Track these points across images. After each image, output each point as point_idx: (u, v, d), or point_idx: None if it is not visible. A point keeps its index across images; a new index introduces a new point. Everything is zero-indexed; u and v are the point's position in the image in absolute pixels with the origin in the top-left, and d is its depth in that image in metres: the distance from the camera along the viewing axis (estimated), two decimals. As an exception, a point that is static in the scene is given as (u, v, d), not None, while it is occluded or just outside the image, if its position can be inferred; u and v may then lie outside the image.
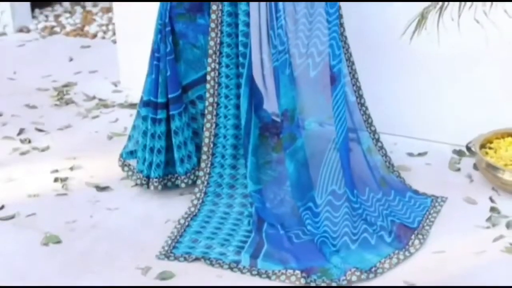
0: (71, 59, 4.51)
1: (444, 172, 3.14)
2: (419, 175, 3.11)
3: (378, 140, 3.03)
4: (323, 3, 2.68)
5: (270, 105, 2.88)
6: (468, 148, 3.11)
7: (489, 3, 2.25)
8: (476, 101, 3.21)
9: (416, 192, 2.97)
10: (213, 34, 2.77)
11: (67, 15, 5.35)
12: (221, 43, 2.78)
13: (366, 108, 2.97)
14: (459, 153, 3.24)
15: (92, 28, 5.02)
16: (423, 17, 2.35)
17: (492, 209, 2.84)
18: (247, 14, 2.71)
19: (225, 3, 2.72)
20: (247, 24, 2.71)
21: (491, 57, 3.08)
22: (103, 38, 4.91)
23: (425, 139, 3.34)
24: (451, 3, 2.31)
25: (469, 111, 3.23)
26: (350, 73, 2.87)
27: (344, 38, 2.83)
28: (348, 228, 2.66)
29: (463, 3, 2.28)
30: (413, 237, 2.66)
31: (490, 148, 3.09)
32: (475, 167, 3.10)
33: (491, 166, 2.94)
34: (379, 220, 2.71)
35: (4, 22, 5.02)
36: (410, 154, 3.26)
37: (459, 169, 3.15)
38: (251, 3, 2.69)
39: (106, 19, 5.20)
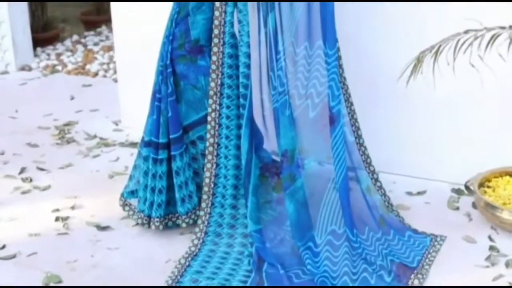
0: (72, 98, 4.55)
1: (443, 210, 3.16)
2: (418, 214, 3.13)
3: (377, 180, 3.05)
4: (322, 45, 2.72)
5: (270, 145, 2.91)
6: (467, 187, 3.13)
7: (483, 47, 2.28)
8: (474, 140, 3.24)
9: (415, 231, 2.98)
10: (214, 76, 2.81)
11: (69, 53, 5.41)
12: (222, 84, 2.81)
13: (365, 148, 3.00)
14: (458, 191, 3.27)
15: (93, 67, 5.07)
16: (419, 61, 2.39)
17: (491, 248, 2.86)
18: (248, 56, 2.75)
19: (226, 45, 2.76)
20: (248, 66, 2.75)
21: (487, 98, 3.11)
22: (104, 76, 4.95)
23: (424, 177, 3.36)
24: (446, 47, 2.35)
25: (467, 150, 3.26)
26: (349, 113, 2.91)
27: (343, 79, 2.88)
28: (348, 267, 2.67)
29: (458, 48, 2.31)
30: (412, 276, 2.67)
31: (488, 186, 3.11)
32: (474, 205, 3.12)
33: (490, 205, 2.96)
34: (378, 260, 2.72)
35: (6, 61, 5.07)
36: (409, 193, 3.28)
37: (458, 208, 3.17)
38: (251, 45, 2.73)
39: (107, 58, 5.26)
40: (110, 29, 5.48)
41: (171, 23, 2.81)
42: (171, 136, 2.87)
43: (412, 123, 3.33)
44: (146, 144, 2.94)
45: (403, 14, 3.18)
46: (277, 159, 2.88)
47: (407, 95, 2.97)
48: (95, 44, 5.65)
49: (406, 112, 3.31)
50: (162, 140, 2.88)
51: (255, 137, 2.86)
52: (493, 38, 2.34)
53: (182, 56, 2.83)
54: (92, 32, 5.96)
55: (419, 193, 3.29)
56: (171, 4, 2.86)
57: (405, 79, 2.45)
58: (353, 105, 2.93)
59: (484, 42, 2.32)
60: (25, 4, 5.12)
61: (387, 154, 3.31)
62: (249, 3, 2.71)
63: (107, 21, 5.66)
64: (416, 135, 3.34)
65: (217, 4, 2.74)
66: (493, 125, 3.19)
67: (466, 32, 2.37)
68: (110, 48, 5.38)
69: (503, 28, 2.38)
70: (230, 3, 2.73)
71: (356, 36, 3.22)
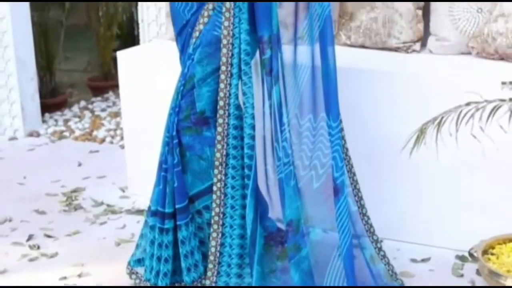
0: (79, 164, 4.60)
1: (448, 278, 3.17)
2: (423, 281, 3.13)
3: (380, 248, 3.07)
4: (325, 117, 2.77)
5: (275, 212, 2.95)
6: (471, 254, 3.15)
7: (484, 119, 2.33)
8: (477, 207, 3.26)
9: (420, 299, 3.00)
10: (219, 146, 2.85)
11: (76, 119, 5.48)
12: (227, 154, 2.86)
13: (368, 218, 3.03)
14: (462, 258, 3.28)
15: (100, 133, 5.14)
16: (421, 132, 2.44)
17: (496, 316, 2.87)
18: (253, 127, 2.80)
19: (231, 116, 2.82)
20: (253, 137, 2.80)
21: (489, 167, 3.15)
22: (111, 143, 5.01)
23: (428, 244, 3.38)
24: (448, 119, 2.40)
25: (470, 217, 3.28)
26: (351, 183, 2.95)
27: (345, 150, 2.92)
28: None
29: (459, 120, 2.36)
30: None
31: (492, 253, 3.12)
32: (478, 273, 3.13)
33: (494, 272, 2.97)
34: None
35: (15, 127, 5.14)
36: (414, 260, 3.30)
37: (462, 275, 3.18)
38: (256, 116, 2.79)
39: (114, 124, 5.33)
40: (117, 95, 5.56)
41: (177, 95, 2.88)
42: (177, 206, 2.91)
43: (416, 191, 3.36)
44: (152, 213, 2.97)
45: (405, 86, 3.24)
46: (282, 227, 2.91)
47: (410, 164, 3.01)
48: (102, 110, 5.73)
49: (409, 180, 3.34)
50: (168, 210, 2.91)
51: (260, 206, 2.90)
52: (494, 110, 2.39)
53: (188, 128, 2.88)
54: (99, 98, 6.04)
55: (423, 260, 3.30)
56: (178, 71, 2.93)
57: (408, 149, 2.50)
58: (356, 175, 2.98)
59: (485, 114, 2.37)
60: (34, 70, 5.21)
61: (391, 221, 3.34)
62: (254, 77, 2.78)
63: (114, 87, 5.75)
64: (420, 202, 3.37)
65: (222, 76, 2.81)
66: (495, 193, 3.22)
67: (467, 104, 2.42)
68: (117, 114, 5.45)
69: (503, 100, 2.43)
70: (234, 76, 2.79)
71: (359, 106, 3.28)
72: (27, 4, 5.08)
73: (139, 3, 4.43)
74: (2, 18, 4.94)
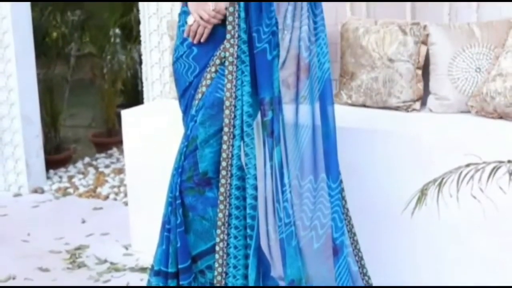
0: (83, 221, 4.62)
1: (450, 337, 3.17)
2: None
3: (382, 308, 3.09)
4: (325, 178, 2.81)
5: (277, 271, 2.97)
6: (472, 313, 3.15)
7: (484, 180, 2.36)
8: (478, 266, 3.27)
9: None
10: (221, 206, 2.88)
11: (80, 176, 5.52)
12: (229, 215, 2.89)
13: (369, 278, 3.04)
14: (464, 317, 3.28)
15: (104, 190, 5.17)
16: (422, 193, 2.46)
17: None
18: (255, 187, 2.83)
19: (233, 177, 2.85)
20: (255, 198, 2.84)
21: (489, 227, 3.16)
22: (115, 199, 5.04)
23: (429, 303, 3.39)
24: (448, 180, 2.42)
25: (470, 275, 3.29)
26: (352, 243, 2.98)
27: (346, 210, 2.95)
28: None
29: (460, 181, 2.38)
30: None
31: (493, 313, 3.13)
32: (480, 332, 3.13)
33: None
34: None
35: (19, 183, 5.18)
36: (416, 319, 3.31)
37: (464, 334, 3.19)
38: (258, 177, 2.83)
39: (118, 181, 5.36)
40: (121, 151, 5.60)
41: (180, 156, 2.92)
42: (180, 266, 2.93)
43: (416, 251, 3.36)
44: (155, 273, 2.99)
45: (406, 145, 3.27)
46: (284, 286, 2.93)
47: (411, 223, 3.03)
48: (106, 166, 5.77)
49: (410, 240, 3.35)
50: (171, 269, 2.93)
51: (262, 265, 2.92)
52: (493, 171, 2.42)
53: (191, 188, 2.92)
54: (103, 154, 6.09)
55: (425, 319, 3.31)
56: (181, 130, 2.98)
57: (409, 210, 2.52)
58: (356, 235, 3.00)
59: (485, 175, 2.39)
60: (39, 128, 5.26)
61: (392, 280, 3.34)
62: (255, 138, 2.82)
63: (118, 143, 5.80)
64: (420, 262, 3.37)
65: (225, 138, 2.85)
66: (495, 252, 3.23)
67: (467, 165, 2.45)
68: (121, 171, 5.49)
69: (502, 162, 2.46)
70: (237, 137, 2.83)
71: (359, 166, 3.31)
72: (33, 61, 5.16)
73: (143, 62, 4.50)
74: (8, 75, 5.01)
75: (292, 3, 2.89)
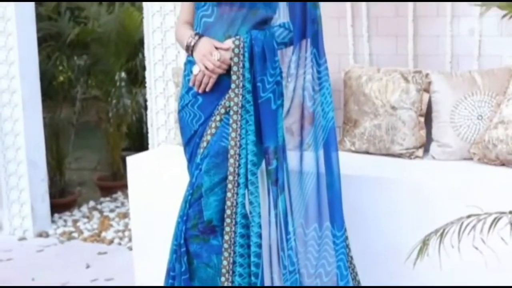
0: (88, 266, 4.63)
1: None
2: None
3: None
4: (330, 227, 2.83)
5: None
6: None
7: (485, 231, 2.38)
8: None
9: None
10: (226, 254, 2.90)
11: (85, 220, 5.54)
12: (233, 262, 2.90)
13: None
14: None
15: (109, 234, 5.19)
16: (424, 244, 2.48)
17: None
18: (259, 235, 2.85)
19: (238, 225, 2.87)
20: (260, 246, 2.85)
21: (491, 277, 3.17)
22: (120, 244, 5.05)
23: None
24: (450, 230, 2.45)
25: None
26: (356, 291, 3.00)
27: (350, 258, 2.97)
28: None
29: (461, 231, 2.41)
30: None
31: None
32: None
33: None
34: None
35: (24, 227, 5.20)
36: None
37: None
38: (262, 225, 2.85)
39: (122, 225, 5.38)
40: (126, 195, 5.63)
41: (185, 204, 2.94)
42: (184, 316, 2.94)
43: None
44: (160, 321, 3.01)
45: (409, 193, 3.30)
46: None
47: (413, 272, 3.04)
48: (111, 210, 5.80)
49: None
50: (176, 318, 2.95)
51: (267, 313, 2.93)
52: (494, 222, 2.44)
53: (195, 236, 2.93)
54: (108, 198, 6.12)
55: None
56: (186, 176, 3.00)
57: (412, 259, 2.53)
58: (360, 283, 3.01)
59: (486, 226, 2.41)
60: (44, 172, 5.30)
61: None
62: (260, 187, 2.85)
63: (123, 186, 5.82)
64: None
65: (229, 186, 2.87)
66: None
67: (468, 216, 2.47)
68: (125, 215, 5.52)
69: (503, 213, 2.48)
70: (241, 186, 2.86)
71: (363, 213, 3.33)
72: (39, 106, 5.21)
73: (149, 109, 4.54)
74: (15, 120, 5.07)
75: (296, 53, 2.93)
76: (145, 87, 4.66)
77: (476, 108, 3.53)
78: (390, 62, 3.89)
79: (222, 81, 2.91)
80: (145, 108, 4.72)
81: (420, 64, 3.88)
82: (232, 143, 2.87)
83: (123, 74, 6.42)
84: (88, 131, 6.89)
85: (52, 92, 6.05)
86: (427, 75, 3.65)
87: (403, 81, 3.63)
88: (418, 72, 3.66)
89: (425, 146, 3.67)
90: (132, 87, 6.43)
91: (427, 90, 3.64)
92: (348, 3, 4.01)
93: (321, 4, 2.98)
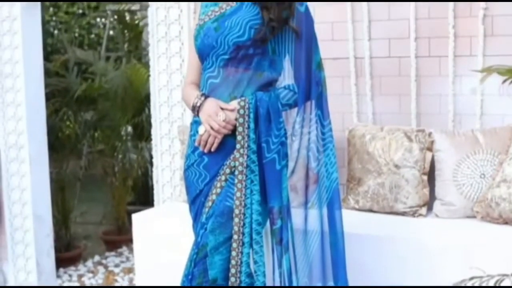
0: (92, 322, 4.64)
1: None
2: None
3: None
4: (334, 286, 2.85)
5: None
6: None
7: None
8: None
9: None
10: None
11: (90, 275, 5.54)
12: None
13: None
14: None
15: (113, 289, 5.21)
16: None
17: None
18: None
19: (242, 284, 2.89)
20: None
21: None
22: (125, 300, 5.07)
23: None
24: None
25: None
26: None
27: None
28: None
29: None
30: None
31: None
32: None
33: None
34: None
35: (29, 282, 5.18)
36: None
37: None
38: (267, 284, 2.87)
39: (127, 280, 5.38)
40: (131, 250, 5.64)
41: (190, 263, 2.96)
42: None
43: None
44: None
45: (413, 251, 3.32)
46: None
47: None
48: (116, 265, 5.80)
49: None
50: None
51: None
52: (497, 283, 2.46)
53: (202, 289, 2.96)
54: (113, 253, 6.12)
55: None
56: (191, 233, 3.03)
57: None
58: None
59: (489, 287, 2.44)
60: (50, 227, 5.31)
61: None
62: (264, 245, 2.87)
63: (128, 241, 5.84)
64: None
65: (234, 245, 2.89)
66: None
67: (471, 278, 2.49)
68: (130, 270, 5.52)
69: (505, 275, 2.50)
70: (246, 245, 2.88)
71: (367, 272, 3.35)
72: (46, 161, 5.25)
73: (154, 165, 4.59)
74: (22, 175, 5.10)
75: (300, 114, 2.98)
76: (151, 141, 4.70)
77: (479, 166, 3.57)
78: (393, 121, 3.95)
79: (228, 142, 2.95)
80: (151, 162, 4.77)
81: (423, 122, 3.93)
82: (237, 202, 2.90)
83: (129, 129, 6.48)
84: (93, 185, 6.92)
85: (58, 146, 6.10)
86: (430, 134, 3.70)
87: (406, 140, 3.68)
88: (421, 131, 3.71)
89: (429, 204, 3.71)
90: (138, 141, 6.48)
91: (430, 149, 3.69)
92: (352, 62, 4.07)
93: (325, 63, 3.04)
